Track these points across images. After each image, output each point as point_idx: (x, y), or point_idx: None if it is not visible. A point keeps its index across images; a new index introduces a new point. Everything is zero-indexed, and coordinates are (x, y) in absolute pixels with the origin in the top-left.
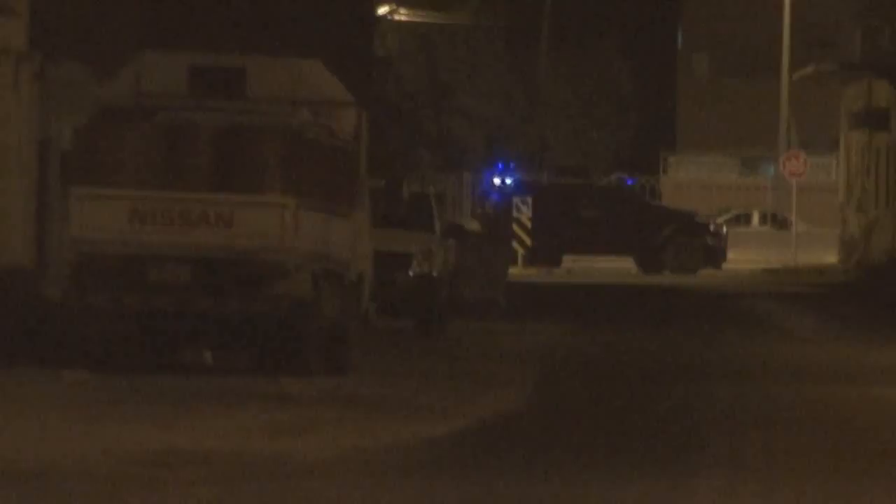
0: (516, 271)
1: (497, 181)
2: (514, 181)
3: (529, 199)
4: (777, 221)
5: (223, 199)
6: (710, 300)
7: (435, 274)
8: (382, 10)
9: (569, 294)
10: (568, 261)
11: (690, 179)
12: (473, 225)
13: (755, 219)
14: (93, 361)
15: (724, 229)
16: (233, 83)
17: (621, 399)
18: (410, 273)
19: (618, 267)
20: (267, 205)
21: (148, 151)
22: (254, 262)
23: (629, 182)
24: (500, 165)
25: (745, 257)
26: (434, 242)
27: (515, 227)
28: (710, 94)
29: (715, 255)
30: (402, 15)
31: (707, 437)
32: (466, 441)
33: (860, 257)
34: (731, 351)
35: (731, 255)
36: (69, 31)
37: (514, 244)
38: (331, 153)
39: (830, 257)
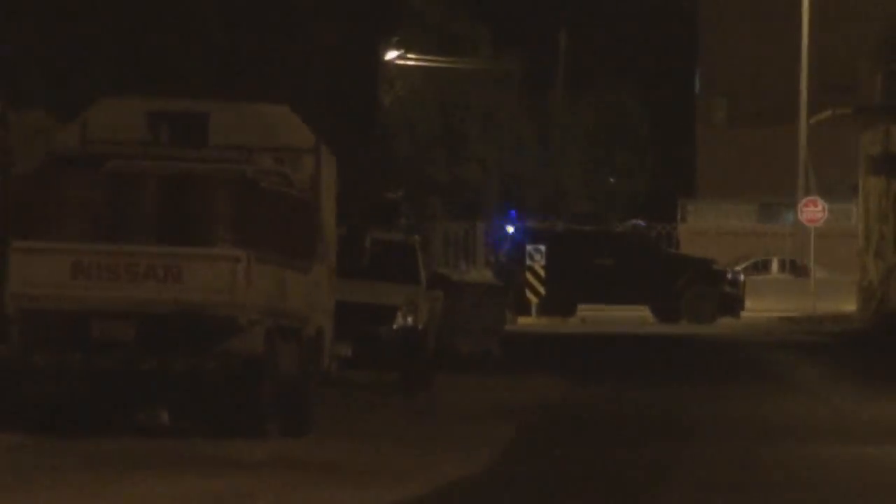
0: (529, 321)
1: (510, 229)
2: (518, 230)
3: (543, 248)
4: (796, 269)
5: (171, 252)
6: (721, 351)
7: (420, 326)
8: (391, 55)
9: (579, 345)
10: (583, 310)
11: (708, 226)
12: (486, 274)
13: (774, 266)
14: (34, 423)
15: (742, 277)
16: (194, 130)
17: (596, 462)
18: (394, 326)
19: (634, 316)
20: (218, 258)
21: (92, 202)
22: (204, 318)
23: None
24: (513, 213)
25: (763, 305)
26: (419, 294)
27: (528, 276)
28: (729, 139)
29: (733, 304)
30: (413, 60)
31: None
32: None
33: (878, 305)
34: (728, 407)
35: (749, 303)
36: (36, 78)
37: (528, 293)
38: (287, 203)
39: (850, 305)
